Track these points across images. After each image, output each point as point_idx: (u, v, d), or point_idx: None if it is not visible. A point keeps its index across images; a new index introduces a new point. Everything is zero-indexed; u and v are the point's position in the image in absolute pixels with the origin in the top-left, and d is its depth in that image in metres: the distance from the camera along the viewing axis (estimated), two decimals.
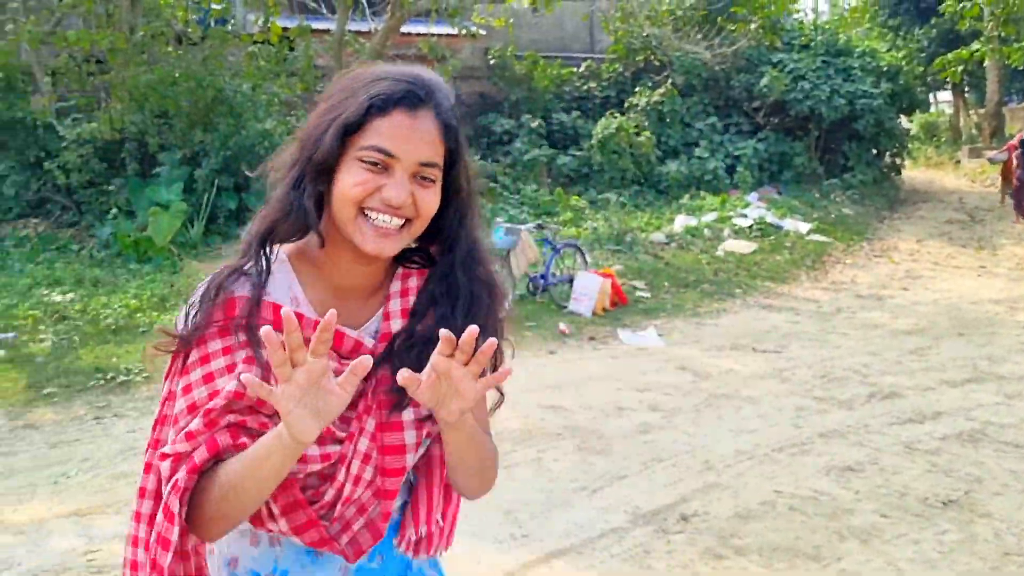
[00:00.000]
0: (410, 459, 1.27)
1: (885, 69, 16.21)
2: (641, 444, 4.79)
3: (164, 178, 10.53)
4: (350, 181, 1.20)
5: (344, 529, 1.28)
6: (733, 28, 14.95)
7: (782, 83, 14.80)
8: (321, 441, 1.21)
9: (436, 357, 1.15)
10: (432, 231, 1.31)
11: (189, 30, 11.90)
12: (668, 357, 6.89)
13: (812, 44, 15.89)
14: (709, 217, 12.47)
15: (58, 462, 4.45)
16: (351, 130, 1.21)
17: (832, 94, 14.89)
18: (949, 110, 28.29)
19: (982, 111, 23.50)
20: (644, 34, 14.48)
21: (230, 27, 13.37)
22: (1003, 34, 16.15)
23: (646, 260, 10.45)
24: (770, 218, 12.55)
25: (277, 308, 1.22)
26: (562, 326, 7.81)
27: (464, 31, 11.96)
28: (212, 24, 12.37)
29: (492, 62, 15.13)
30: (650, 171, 14.30)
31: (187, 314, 1.25)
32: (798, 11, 17.94)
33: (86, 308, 7.43)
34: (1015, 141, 16.02)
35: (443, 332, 1.14)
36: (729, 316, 8.62)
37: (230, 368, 1.21)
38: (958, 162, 20.83)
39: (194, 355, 1.23)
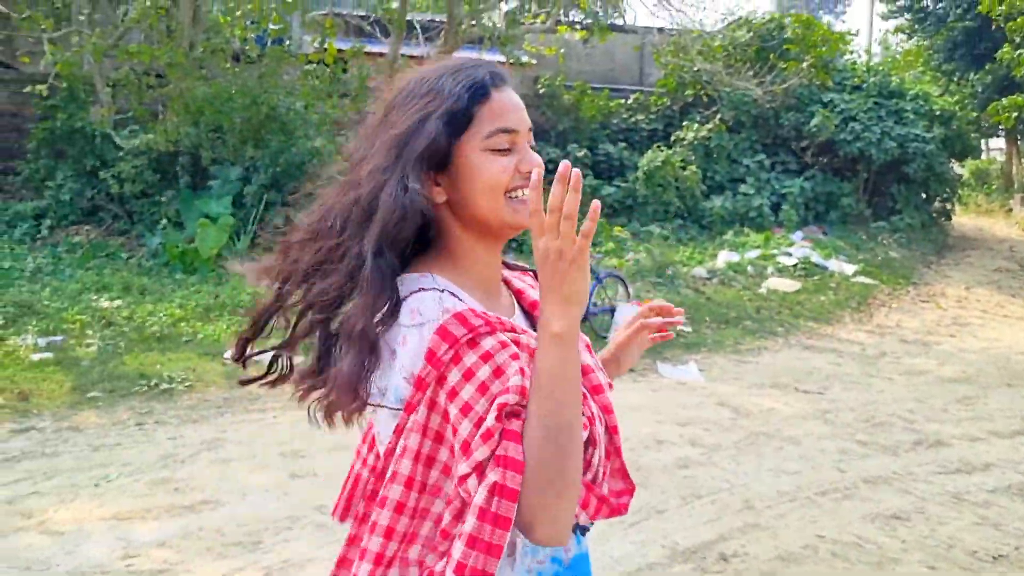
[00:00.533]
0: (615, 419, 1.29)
1: (938, 113, 16.01)
2: (680, 479, 4.73)
3: (215, 191, 10.71)
4: (494, 170, 1.22)
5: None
6: (785, 66, 14.90)
7: (832, 123, 14.70)
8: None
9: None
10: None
11: (247, 48, 12.15)
12: (708, 392, 6.81)
13: (864, 85, 15.77)
14: (753, 254, 12.37)
15: (100, 465, 4.50)
16: (461, 125, 1.22)
17: (883, 136, 14.74)
18: (1001, 158, 27.85)
19: None
20: (695, 68, 14.48)
21: (287, 47, 13.65)
22: None
23: (687, 294, 10.37)
24: (815, 258, 12.41)
25: (475, 312, 1.18)
26: None
27: (514, 59, 12.05)
28: (270, 43, 12.63)
29: (541, 91, 15.23)
30: (694, 205, 14.24)
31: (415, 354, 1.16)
32: (851, 52, 17.84)
33: (132, 315, 7.55)
34: None
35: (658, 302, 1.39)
36: (770, 354, 8.51)
37: (514, 357, 1.16)
38: (1010, 210, 20.47)
39: (469, 360, 1.14)
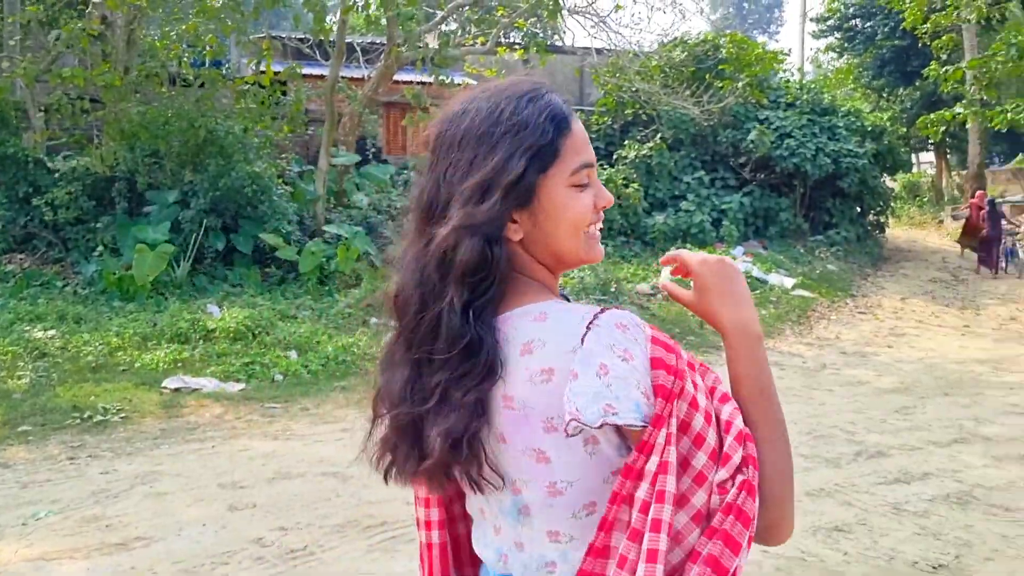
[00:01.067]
0: None
1: (869, 129, 16.48)
2: None
3: (152, 217, 10.50)
4: (579, 208, 1.17)
5: None
6: (721, 85, 15.20)
7: (768, 139, 15.02)
8: None
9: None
10: None
11: (183, 71, 11.98)
12: None
13: (798, 103, 16.17)
14: None
15: (28, 503, 4.34)
16: (548, 160, 1.15)
17: (817, 152, 15.10)
18: (931, 171, 28.76)
19: (964, 172, 23.89)
20: (634, 88, 14.68)
21: (224, 70, 13.48)
22: (985, 97, 16.48)
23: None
24: (756, 272, 12.62)
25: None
26: None
27: (447, 80, 12.05)
28: (208, 65, 12.46)
29: None
30: (637, 222, 14.40)
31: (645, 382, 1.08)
32: (784, 70, 18.26)
33: (67, 345, 7.34)
34: (975, 199, 16.70)
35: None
36: (715, 369, 8.58)
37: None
38: (941, 221, 21.12)
39: (688, 388, 1.09)
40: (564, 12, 13.35)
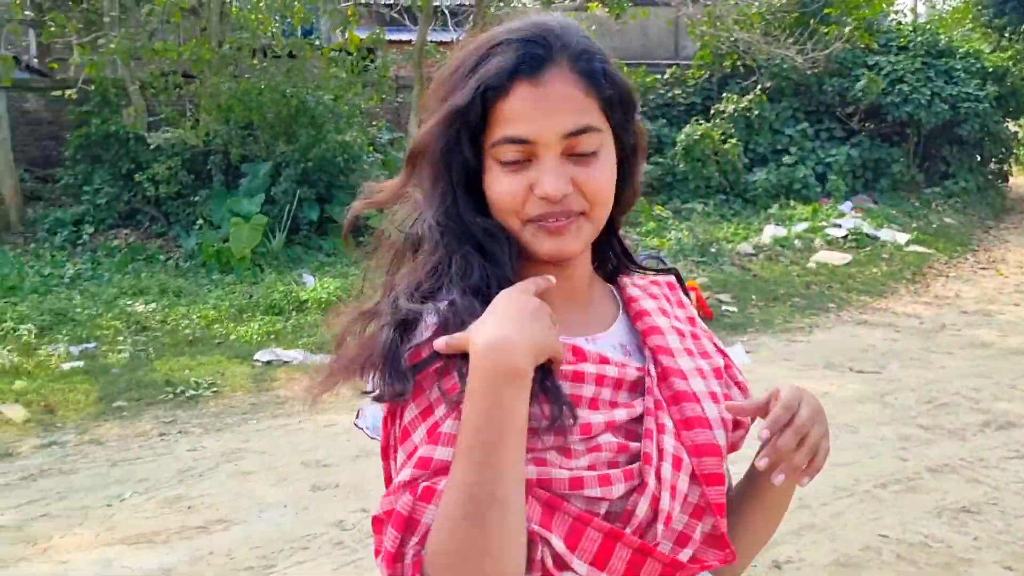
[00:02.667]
0: (725, 466, 1.04)
1: (991, 71, 15.30)
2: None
3: (245, 189, 10.61)
4: (497, 191, 1.00)
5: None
6: (826, 30, 14.33)
7: (878, 86, 14.11)
8: (613, 430, 0.99)
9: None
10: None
11: (274, 42, 12.01)
12: (755, 377, 6.42)
13: (911, 46, 15.12)
14: (800, 227, 11.93)
15: (116, 482, 4.36)
16: (476, 128, 0.99)
17: (933, 97, 14.11)
18: None
19: None
20: (732, 39, 13.98)
21: (313, 39, 13.50)
22: None
23: (732, 272, 10.01)
24: (866, 228, 11.92)
25: None
26: None
27: None
28: (299, 34, 12.48)
29: None
30: (736, 179, 13.80)
31: None
32: (895, 12, 17.13)
33: (166, 319, 7.46)
34: None
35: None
36: (822, 332, 8.13)
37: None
38: None
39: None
40: None
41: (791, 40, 13.85)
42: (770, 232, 11.68)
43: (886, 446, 4.91)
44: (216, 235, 10.16)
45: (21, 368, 6.06)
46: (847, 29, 14.33)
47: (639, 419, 1.01)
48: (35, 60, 14.54)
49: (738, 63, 14.87)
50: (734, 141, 13.87)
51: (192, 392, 5.79)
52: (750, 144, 14.31)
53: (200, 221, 10.48)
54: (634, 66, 15.41)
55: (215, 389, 5.86)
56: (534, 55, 0.97)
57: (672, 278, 1.22)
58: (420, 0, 11.96)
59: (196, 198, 10.82)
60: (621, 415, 1.00)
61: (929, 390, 6.08)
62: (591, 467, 0.95)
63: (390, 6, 14.12)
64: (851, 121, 14.82)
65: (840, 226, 11.94)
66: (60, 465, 4.58)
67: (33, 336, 6.65)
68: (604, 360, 1.02)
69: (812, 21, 14.54)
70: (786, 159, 14.05)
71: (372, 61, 12.60)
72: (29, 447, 4.89)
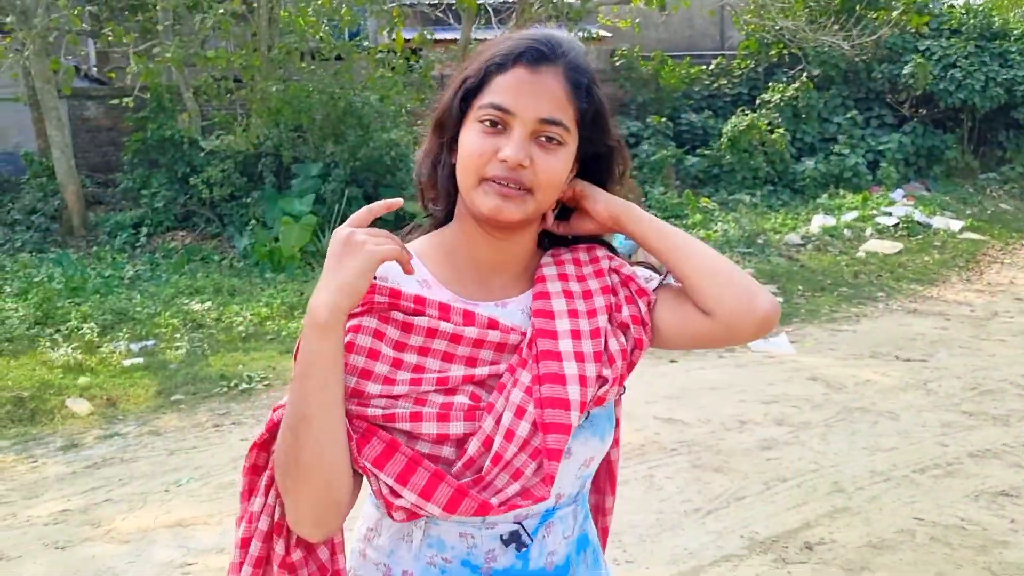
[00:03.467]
0: (574, 417, 1.13)
1: None
2: (763, 462, 4.49)
3: (296, 190, 10.87)
4: (468, 146, 1.15)
5: (496, 494, 1.14)
6: (874, 15, 14.11)
7: (930, 71, 13.84)
8: (449, 390, 1.16)
9: None
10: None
11: (322, 45, 12.26)
12: (799, 366, 6.48)
13: (963, 28, 14.78)
14: (849, 216, 11.78)
15: (173, 470, 4.57)
16: (472, 92, 1.17)
17: (987, 82, 13.78)
18: None
19: None
20: (777, 27, 13.85)
21: (360, 40, 13.72)
22: None
23: (779, 263, 9.96)
24: (918, 216, 11.72)
25: (394, 292, 1.18)
26: None
27: (585, 33, 11.76)
28: (345, 37, 12.71)
29: (617, 64, 14.87)
30: (784, 169, 13.67)
31: None
32: None
33: (221, 316, 7.72)
34: None
35: None
36: (869, 322, 8.06)
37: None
38: None
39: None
40: None
41: (837, 27, 13.67)
42: (819, 222, 11.56)
43: (927, 432, 4.90)
44: (268, 235, 10.44)
45: (85, 365, 6.36)
46: (895, 13, 14.09)
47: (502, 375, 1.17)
48: (94, 69, 15.05)
49: (784, 51, 14.72)
50: (781, 131, 13.74)
51: (245, 385, 6.01)
52: (797, 133, 14.16)
53: (252, 222, 10.77)
54: (679, 57, 15.36)
55: (267, 382, 6.08)
56: (539, 51, 1.16)
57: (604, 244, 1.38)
58: None
59: (248, 199, 11.12)
60: (483, 372, 1.16)
61: (975, 377, 6.02)
62: (442, 411, 1.13)
63: (434, 5, 14.29)
64: (902, 108, 14.57)
65: (891, 214, 11.77)
66: (121, 454, 4.82)
67: (96, 334, 6.94)
68: (492, 325, 1.18)
69: (859, 6, 14.33)
70: (835, 148, 13.86)
71: (417, 61, 12.79)
72: (93, 438, 5.15)
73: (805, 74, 14.45)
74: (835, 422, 5.11)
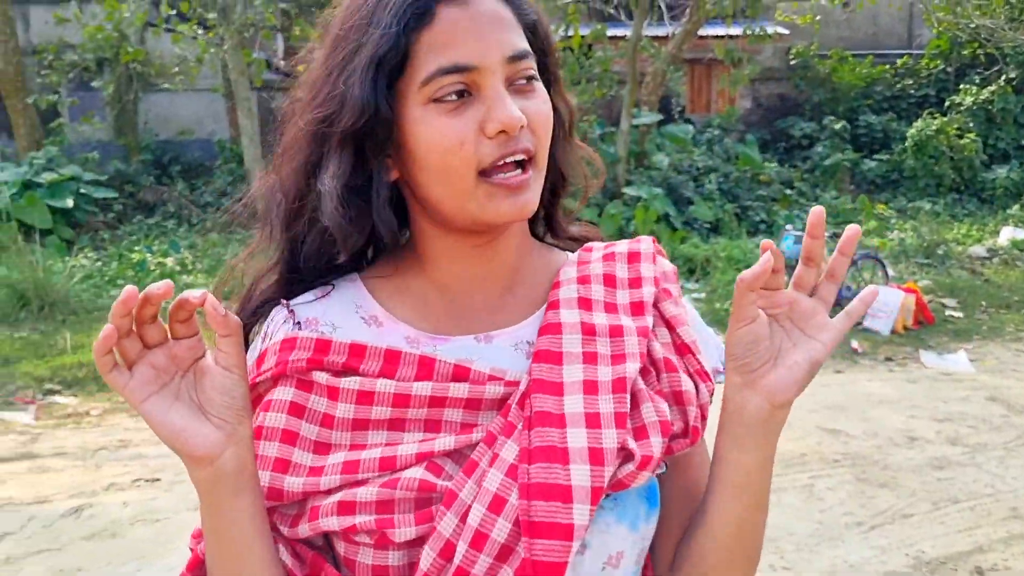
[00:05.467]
0: (579, 515, 0.75)
1: None
2: (934, 481, 4.27)
3: None
4: (437, 141, 0.79)
5: None
6: None
7: None
8: (384, 464, 0.80)
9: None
10: None
11: None
12: (977, 385, 6.09)
13: None
14: None
15: None
16: (394, 71, 0.79)
17: None
18: None
19: None
20: (972, 25, 13.00)
21: None
22: None
23: (960, 276, 9.37)
24: None
25: (321, 344, 0.85)
26: (854, 343, 7.21)
27: (760, 31, 11.47)
28: None
29: (792, 62, 14.40)
30: (972, 177, 12.83)
31: None
32: None
33: None
34: None
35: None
36: None
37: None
38: None
39: None
40: None
41: None
42: (1008, 234, 10.79)
43: None
44: None
45: None
46: None
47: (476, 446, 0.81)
48: (282, 63, 16.04)
49: (979, 51, 13.80)
50: (972, 136, 12.91)
51: None
52: (990, 139, 13.27)
53: None
54: (861, 56, 14.70)
55: None
56: None
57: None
58: None
59: None
60: (446, 444, 0.80)
61: None
62: (382, 498, 0.79)
63: (607, 1, 14.31)
64: None
65: None
66: None
67: None
68: (460, 375, 0.83)
69: None
70: None
71: (588, 57, 12.87)
72: None
73: (1002, 76, 13.50)
74: (1016, 446, 4.79)
